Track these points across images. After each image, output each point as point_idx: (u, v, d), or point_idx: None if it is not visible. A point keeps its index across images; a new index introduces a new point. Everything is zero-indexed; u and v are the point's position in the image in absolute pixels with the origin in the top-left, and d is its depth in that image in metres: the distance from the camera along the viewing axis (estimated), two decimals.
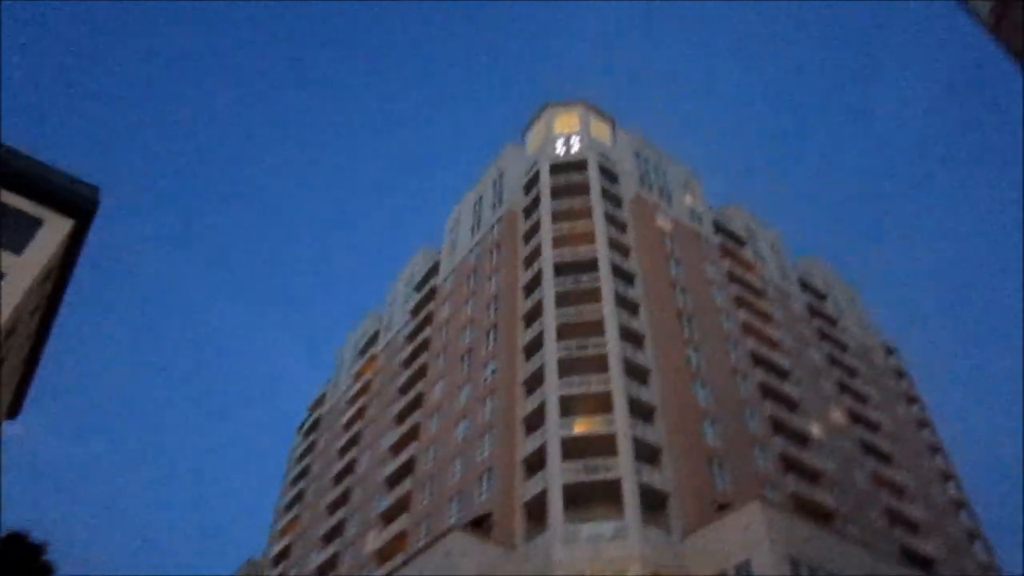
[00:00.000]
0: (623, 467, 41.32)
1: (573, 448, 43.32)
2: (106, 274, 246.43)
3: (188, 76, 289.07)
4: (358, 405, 72.37)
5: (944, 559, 54.75)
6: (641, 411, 46.04)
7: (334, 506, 65.15)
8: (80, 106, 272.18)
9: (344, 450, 69.95)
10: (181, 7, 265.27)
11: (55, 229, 34.36)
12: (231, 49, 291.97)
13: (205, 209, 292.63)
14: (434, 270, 73.47)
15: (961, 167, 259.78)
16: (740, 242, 69.91)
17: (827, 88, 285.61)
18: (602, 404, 45.55)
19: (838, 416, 59.54)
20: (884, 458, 59.68)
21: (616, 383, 45.81)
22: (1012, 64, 23.09)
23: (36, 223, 34.04)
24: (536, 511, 41.97)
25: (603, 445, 43.14)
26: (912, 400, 75.45)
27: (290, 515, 74.65)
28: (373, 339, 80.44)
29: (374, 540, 54.04)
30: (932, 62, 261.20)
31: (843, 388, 63.85)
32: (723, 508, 40.48)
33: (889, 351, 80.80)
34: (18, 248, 32.78)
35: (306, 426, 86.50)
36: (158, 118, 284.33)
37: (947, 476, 67.70)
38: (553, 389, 46.28)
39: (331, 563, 59.79)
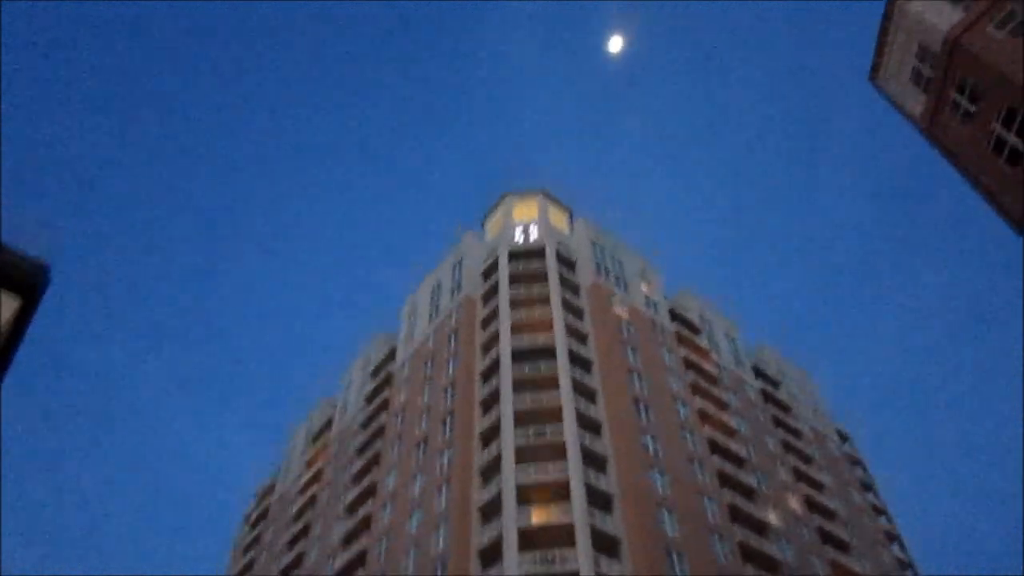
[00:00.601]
0: (582, 559, 40.45)
1: (530, 539, 42.40)
2: (48, 357, 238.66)
3: (138, 158, 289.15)
4: (309, 494, 70.05)
5: None
6: (599, 500, 45.46)
7: None
8: (27, 181, 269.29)
9: (292, 543, 67.20)
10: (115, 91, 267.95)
11: (2, 308, 33.54)
12: (175, 136, 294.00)
13: (153, 293, 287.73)
14: (391, 356, 72.83)
15: (904, 256, 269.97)
16: (695, 330, 70.98)
17: (775, 182, 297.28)
18: (560, 493, 44.94)
19: (795, 504, 59.45)
20: (842, 547, 59.43)
21: (574, 471, 45.33)
22: (946, 160, 24.48)
23: None
24: None
25: (561, 535, 42.33)
26: (867, 487, 75.82)
27: None
28: (327, 426, 78.68)
29: None
30: (874, 153, 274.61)
31: (799, 475, 64.00)
32: None
33: (843, 437, 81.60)
34: None
35: (254, 516, 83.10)
36: (107, 197, 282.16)
37: (905, 565, 67.51)
38: (510, 477, 45.57)
39: None
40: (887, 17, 26.38)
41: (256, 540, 77.50)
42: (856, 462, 79.08)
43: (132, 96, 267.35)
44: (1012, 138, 20.55)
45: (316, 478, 71.67)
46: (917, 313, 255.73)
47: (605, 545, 42.81)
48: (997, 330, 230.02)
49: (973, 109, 22.38)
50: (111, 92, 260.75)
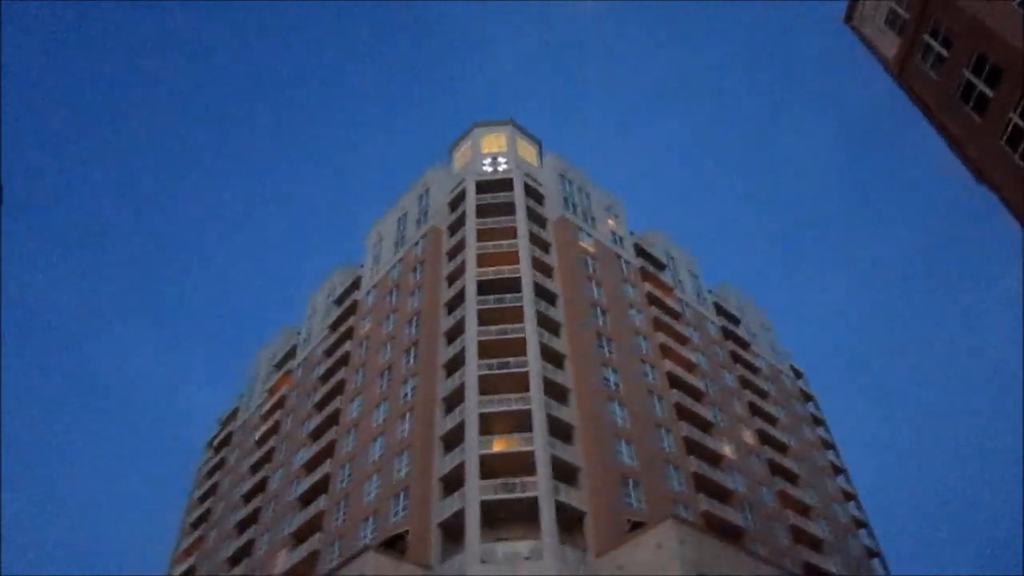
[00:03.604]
0: (541, 486, 41.52)
1: (492, 466, 43.32)
2: (7, 284, 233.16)
3: (98, 79, 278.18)
4: (272, 420, 70.45)
5: None
6: (560, 431, 46.44)
7: (243, 525, 63.00)
8: None
9: (256, 467, 67.86)
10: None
11: None
12: (139, 55, 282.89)
13: (109, 221, 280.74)
14: (355, 285, 72.49)
15: (867, 204, 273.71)
16: (660, 266, 71.64)
17: (742, 124, 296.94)
18: (522, 423, 45.75)
19: (749, 437, 61.39)
20: (791, 478, 61.79)
21: (536, 402, 46.10)
22: (914, 106, 24.55)
23: None
24: (453, 531, 41.68)
25: (522, 464, 43.29)
26: (818, 422, 78.51)
27: (195, 534, 71.75)
28: (290, 354, 78.62)
29: (284, 561, 52.50)
30: (838, 98, 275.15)
31: (754, 410, 65.92)
32: (637, 527, 41.13)
33: (797, 374, 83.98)
34: None
35: (216, 441, 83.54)
36: (63, 117, 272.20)
37: (848, 496, 70.56)
38: (473, 407, 46.22)
39: None
40: None
41: (219, 465, 78.11)
42: (809, 398, 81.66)
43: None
44: (981, 85, 20.63)
45: (279, 404, 71.97)
46: (876, 262, 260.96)
47: (564, 474, 43.95)
48: (957, 281, 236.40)
49: (945, 54, 22.37)
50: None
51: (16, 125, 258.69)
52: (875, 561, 65.98)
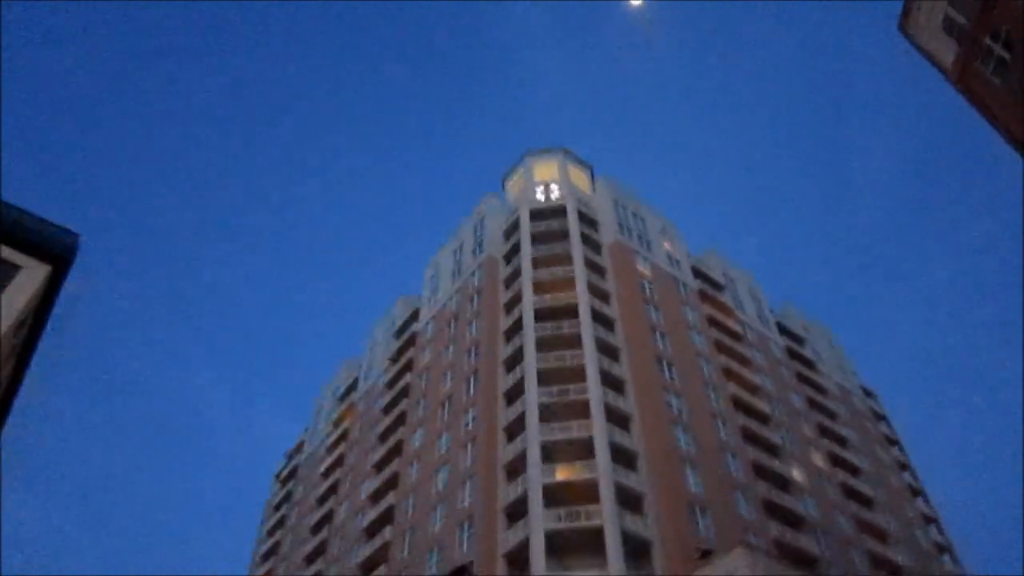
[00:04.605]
0: (606, 514, 40.95)
1: (555, 495, 42.94)
2: (78, 328, 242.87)
3: (167, 134, 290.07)
4: (337, 453, 71.37)
5: None
6: (623, 457, 45.83)
7: (311, 557, 63.69)
8: (62, 156, 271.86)
9: (322, 499, 68.71)
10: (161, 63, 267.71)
11: (32, 276, 33.99)
12: (208, 107, 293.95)
13: (178, 263, 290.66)
14: (414, 317, 73.31)
15: (933, 215, 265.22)
16: (718, 287, 70.58)
17: (804, 138, 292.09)
18: (584, 450, 45.32)
19: (819, 460, 59.55)
20: (865, 502, 59.60)
21: (598, 429, 45.65)
22: (978, 112, 23.86)
23: (12, 269, 33.69)
24: (518, 560, 41.34)
25: (585, 492, 42.81)
26: (891, 442, 75.71)
27: (266, 566, 72.84)
28: (352, 386, 79.74)
29: None
30: (905, 109, 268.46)
31: (823, 432, 63.99)
32: (706, 555, 40.11)
33: (867, 394, 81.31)
34: None
35: (283, 474, 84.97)
36: (133, 173, 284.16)
37: (929, 519, 67.65)
38: (534, 435, 46.02)
39: None
40: None
41: (287, 498, 79.31)
42: (881, 418, 78.89)
43: (162, 67, 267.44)
44: None
45: (343, 437, 72.92)
46: (945, 278, 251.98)
47: (629, 501, 43.27)
48: None
49: (1007, 57, 21.72)
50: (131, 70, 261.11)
51: (95, 167, 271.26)
52: None
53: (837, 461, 61.64)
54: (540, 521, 41.22)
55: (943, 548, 65.70)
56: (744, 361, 62.26)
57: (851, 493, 59.03)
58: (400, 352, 70.74)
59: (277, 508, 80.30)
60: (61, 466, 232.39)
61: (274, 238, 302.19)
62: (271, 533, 77.53)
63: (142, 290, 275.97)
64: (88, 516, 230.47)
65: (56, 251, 36.78)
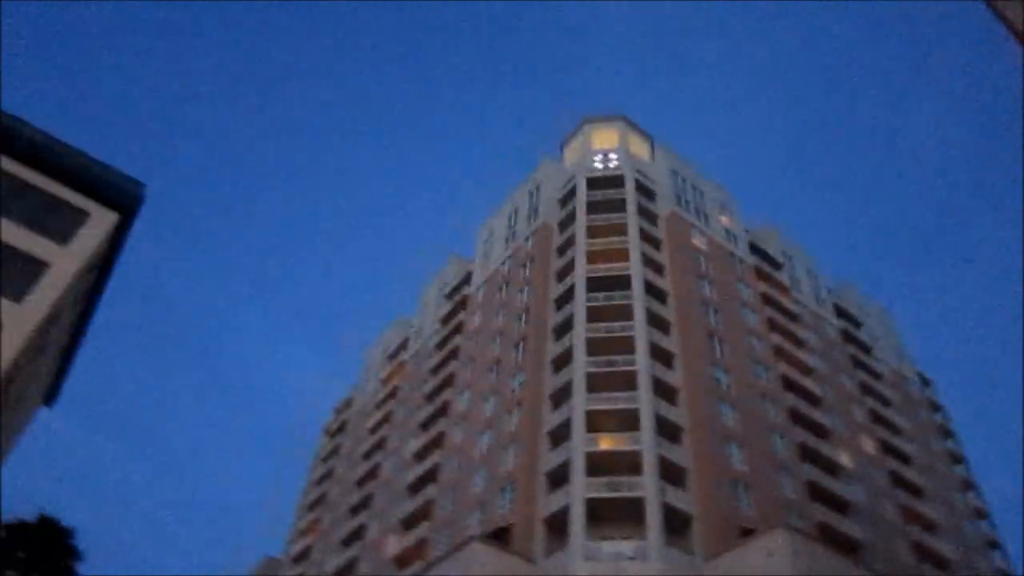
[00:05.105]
0: (647, 486, 41.00)
1: (597, 464, 43.10)
2: (137, 274, 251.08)
3: (222, 82, 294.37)
4: (385, 410, 72.71)
5: None
6: (667, 430, 45.68)
7: (356, 509, 65.42)
8: (123, 107, 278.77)
9: (368, 454, 70.28)
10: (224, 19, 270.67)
11: (100, 222, 35.10)
12: (265, 56, 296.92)
13: (235, 213, 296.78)
14: (466, 279, 73.73)
15: (1000, 196, 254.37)
16: (775, 265, 69.17)
17: (866, 115, 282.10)
18: (629, 421, 45.29)
19: (869, 446, 58.43)
20: (915, 492, 58.39)
21: (644, 401, 45.53)
22: None
23: (82, 215, 34.84)
24: (557, 526, 41.77)
25: (628, 463, 42.88)
26: (947, 434, 73.78)
27: (312, 515, 75.11)
28: (403, 345, 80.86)
29: (394, 545, 54.14)
30: (972, 86, 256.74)
31: (876, 418, 62.68)
32: (747, 533, 39.93)
33: (924, 382, 79.20)
34: (64, 238, 33.58)
35: (332, 428, 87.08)
36: (184, 118, 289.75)
37: (980, 513, 66.00)
38: (580, 403, 46.13)
39: (350, 566, 60.01)
40: None
41: (335, 451, 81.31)
42: (937, 407, 76.84)
43: (238, 32, 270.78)
44: None
45: (392, 395, 74.20)
46: (1007, 264, 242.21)
47: (671, 475, 43.20)
48: None
49: None
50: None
51: (160, 117, 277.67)
52: None
53: (888, 448, 60.40)
54: (581, 489, 41.49)
55: (993, 543, 64.13)
56: (797, 341, 61.11)
57: (900, 481, 57.88)
58: (451, 314, 71.33)
59: (325, 460, 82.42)
60: (117, 402, 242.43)
61: (333, 194, 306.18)
62: (318, 483, 79.72)
63: (203, 242, 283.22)
64: (142, 449, 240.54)
65: (124, 199, 37.91)
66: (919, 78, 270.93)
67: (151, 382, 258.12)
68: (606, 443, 44.43)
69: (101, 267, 38.01)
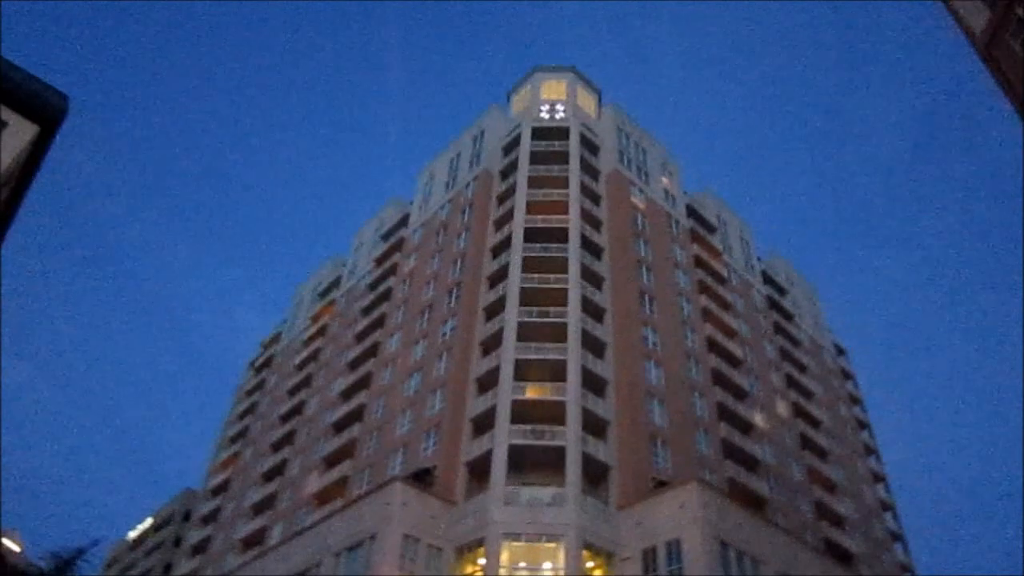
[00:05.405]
0: (569, 436, 41.93)
1: (522, 412, 43.79)
2: (61, 195, 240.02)
3: (157, 21, 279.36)
4: (313, 347, 72.03)
5: (864, 556, 56.82)
6: (593, 384, 46.61)
7: (278, 445, 65.12)
8: (61, 19, 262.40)
9: (294, 391, 69.73)
10: None
11: (18, 133, 33.12)
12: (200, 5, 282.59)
13: (166, 146, 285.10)
14: (403, 222, 72.83)
15: (932, 188, 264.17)
16: (710, 229, 70.46)
17: (808, 92, 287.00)
18: (556, 372, 46.03)
19: (783, 409, 60.92)
20: (821, 454, 61.37)
21: (572, 353, 46.25)
22: (998, 86, 23.40)
23: None
24: (479, 470, 42.49)
25: (552, 413, 43.68)
26: (855, 401, 77.49)
27: (233, 449, 74.48)
28: (335, 284, 79.81)
29: (314, 483, 54.26)
30: (919, 76, 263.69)
31: (791, 382, 65.25)
32: (661, 485, 41.40)
33: (839, 351, 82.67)
34: None
35: (258, 362, 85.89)
36: (123, 46, 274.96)
37: (877, 477, 69.94)
38: (510, 352, 46.58)
39: (269, 501, 59.97)
40: None
41: (260, 385, 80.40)
42: (848, 376, 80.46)
43: None
44: None
45: (320, 332, 73.47)
46: (935, 249, 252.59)
47: (594, 426, 44.27)
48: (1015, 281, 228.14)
49: None
50: None
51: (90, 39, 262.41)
52: (897, 545, 65.64)
53: (800, 412, 63.10)
54: (505, 435, 42.18)
55: (886, 506, 68.29)
56: (725, 305, 62.74)
57: (808, 444, 60.69)
58: (386, 255, 70.55)
59: (249, 394, 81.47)
60: (36, 325, 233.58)
61: (271, 129, 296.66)
62: (240, 417, 78.89)
63: (131, 163, 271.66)
64: (60, 376, 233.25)
65: (46, 111, 35.74)
66: (868, 64, 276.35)
67: (76, 312, 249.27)
68: (533, 392, 45.13)
69: (20, 180, 36.02)
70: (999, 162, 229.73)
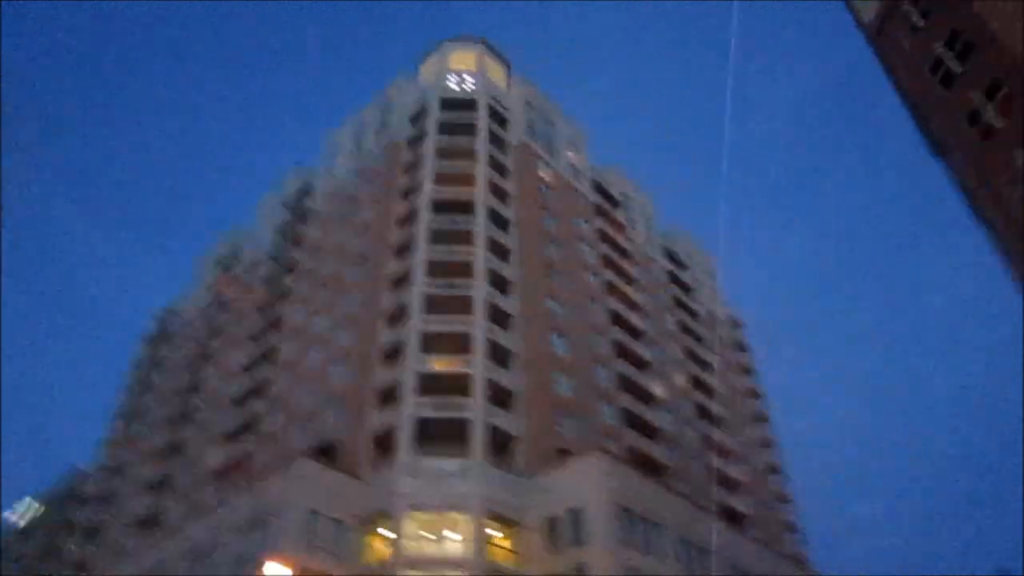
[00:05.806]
0: (475, 408, 42.27)
1: (428, 384, 43.78)
2: None
3: None
4: (212, 320, 69.63)
5: (755, 517, 59.99)
6: (499, 355, 47.01)
7: (175, 421, 62.84)
8: None
9: (192, 365, 67.32)
10: None
11: None
12: None
13: (64, 114, 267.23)
14: (308, 192, 70.88)
15: (825, 166, 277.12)
16: (615, 204, 71.73)
17: (710, 70, 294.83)
18: (462, 344, 46.13)
19: (681, 379, 63.20)
20: (715, 422, 64.12)
21: (478, 326, 46.47)
22: (885, 73, 24.67)
23: None
24: (385, 443, 42.33)
25: (458, 384, 43.87)
26: (748, 371, 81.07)
27: (126, 426, 71.42)
28: (236, 255, 77.13)
29: (215, 458, 52.78)
30: (814, 56, 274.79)
31: (690, 354, 67.67)
32: (565, 454, 42.37)
33: (735, 324, 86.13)
34: None
35: (153, 336, 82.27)
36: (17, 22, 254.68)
37: (767, 444, 73.67)
38: (416, 324, 46.37)
39: (166, 478, 58.00)
40: None
41: (155, 360, 77.13)
42: (743, 348, 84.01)
43: None
44: (951, 61, 20.82)
45: (221, 305, 71.01)
46: (835, 222, 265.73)
47: (500, 398, 44.73)
48: (907, 253, 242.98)
49: (921, 24, 22.43)
50: None
51: None
52: (785, 506, 69.52)
53: (697, 382, 65.61)
54: (411, 407, 42.13)
55: (775, 469, 72.11)
56: (628, 278, 64.21)
57: (705, 413, 63.27)
58: (290, 226, 68.65)
59: (143, 369, 78.09)
60: None
61: (172, 94, 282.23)
62: (137, 393, 75.57)
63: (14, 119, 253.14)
64: None
65: None
66: (769, 46, 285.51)
67: None
68: (439, 364, 45.15)
69: None
70: (893, 138, 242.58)
